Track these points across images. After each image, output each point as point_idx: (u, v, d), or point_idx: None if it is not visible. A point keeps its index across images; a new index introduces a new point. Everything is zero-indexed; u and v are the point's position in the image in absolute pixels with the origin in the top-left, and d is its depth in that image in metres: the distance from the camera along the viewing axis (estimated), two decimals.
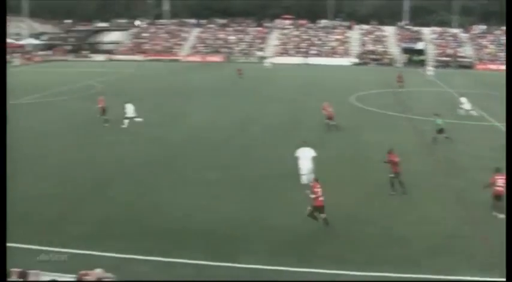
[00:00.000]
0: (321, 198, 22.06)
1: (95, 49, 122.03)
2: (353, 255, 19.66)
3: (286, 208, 24.24)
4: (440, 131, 36.53)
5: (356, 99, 56.33)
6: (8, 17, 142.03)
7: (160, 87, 67.79)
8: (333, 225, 21.86)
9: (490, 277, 17.88)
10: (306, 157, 27.97)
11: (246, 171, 30.43)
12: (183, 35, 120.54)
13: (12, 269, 14.69)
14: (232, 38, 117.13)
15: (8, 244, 20.70)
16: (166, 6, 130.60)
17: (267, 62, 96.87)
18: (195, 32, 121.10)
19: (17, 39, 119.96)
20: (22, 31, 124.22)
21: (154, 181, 29.08)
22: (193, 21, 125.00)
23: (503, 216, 22.03)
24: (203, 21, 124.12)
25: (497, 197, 22.97)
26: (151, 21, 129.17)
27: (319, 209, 22.09)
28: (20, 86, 68.45)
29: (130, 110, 43.42)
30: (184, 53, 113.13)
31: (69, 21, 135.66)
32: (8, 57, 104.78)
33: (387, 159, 26.45)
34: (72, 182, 29.23)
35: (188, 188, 27.79)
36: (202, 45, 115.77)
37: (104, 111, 45.12)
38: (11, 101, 56.13)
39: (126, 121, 42.88)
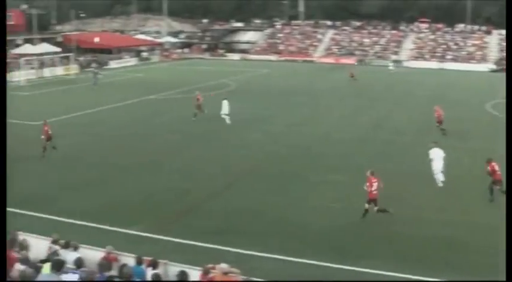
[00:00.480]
0: (375, 192, 22.84)
1: (231, 48, 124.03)
2: None
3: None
4: None
5: (492, 107, 54.38)
6: (148, 16, 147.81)
7: (289, 87, 68.14)
8: None
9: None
10: (438, 157, 28.18)
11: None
12: (317, 36, 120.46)
13: (144, 257, 15.21)
14: (366, 40, 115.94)
15: (139, 233, 21.77)
16: (301, 8, 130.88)
17: (392, 66, 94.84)
18: (330, 33, 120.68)
19: (156, 37, 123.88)
20: (161, 29, 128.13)
21: (285, 181, 29.18)
22: (328, 22, 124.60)
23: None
24: (338, 23, 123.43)
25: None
26: (287, 22, 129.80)
27: (373, 201, 22.94)
28: (157, 82, 70.84)
29: (225, 107, 44.11)
30: (318, 55, 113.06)
31: (206, 20, 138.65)
32: (147, 54, 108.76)
33: (487, 168, 25.99)
34: (202, 177, 30.08)
35: (320, 188, 27.79)
36: (336, 47, 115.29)
37: (199, 107, 46.09)
38: (148, 95, 58.55)
39: (226, 118, 43.69)
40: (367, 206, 23.01)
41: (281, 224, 23.07)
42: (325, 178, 29.41)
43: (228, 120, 43.60)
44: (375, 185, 22.97)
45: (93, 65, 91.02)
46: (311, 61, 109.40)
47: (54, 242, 16.38)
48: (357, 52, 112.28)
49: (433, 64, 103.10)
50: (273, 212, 24.53)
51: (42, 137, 34.67)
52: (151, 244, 20.78)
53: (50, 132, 35.01)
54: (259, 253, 19.98)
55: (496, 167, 25.73)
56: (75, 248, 15.95)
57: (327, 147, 37.04)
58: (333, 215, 24.14)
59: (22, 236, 15.90)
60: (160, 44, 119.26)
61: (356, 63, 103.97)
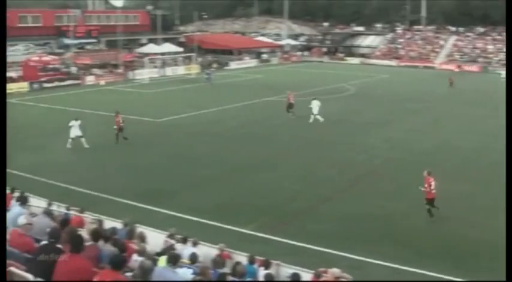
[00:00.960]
0: (433, 191, 23.46)
1: (350, 52, 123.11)
2: None
3: None
4: None
5: None
6: (269, 18, 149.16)
7: (409, 93, 66.98)
8: None
9: None
10: None
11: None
12: (439, 42, 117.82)
13: (257, 257, 15.32)
14: (490, 47, 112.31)
15: (252, 232, 21.92)
16: (423, 12, 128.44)
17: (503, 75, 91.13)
18: (452, 39, 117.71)
19: (276, 39, 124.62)
20: (282, 32, 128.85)
21: (402, 187, 28.69)
22: (450, 28, 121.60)
23: None
24: (461, 29, 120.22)
25: None
26: (408, 27, 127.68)
27: (431, 201, 23.61)
28: (276, 83, 71.31)
29: (315, 106, 44.57)
30: (439, 61, 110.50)
31: (327, 24, 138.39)
32: (267, 56, 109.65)
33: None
34: (316, 180, 30.08)
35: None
36: (458, 53, 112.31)
37: (290, 106, 47.34)
38: (267, 97, 58.94)
39: (313, 117, 44.34)
40: (428, 206, 23.76)
41: (396, 231, 22.73)
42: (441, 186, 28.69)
43: (319, 118, 44.29)
44: (433, 184, 23.54)
45: (214, 65, 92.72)
46: (432, 67, 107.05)
47: (171, 236, 16.88)
48: (480, 59, 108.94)
49: None
50: (389, 218, 24.16)
51: (115, 127, 37.47)
52: (263, 244, 20.93)
53: (121, 124, 37.39)
54: (373, 260, 19.72)
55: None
56: (195, 244, 16.42)
57: (445, 155, 36.11)
58: (448, 223, 23.52)
59: (140, 228, 16.35)
60: (280, 46, 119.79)
61: (478, 71, 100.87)
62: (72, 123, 36.39)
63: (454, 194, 26.86)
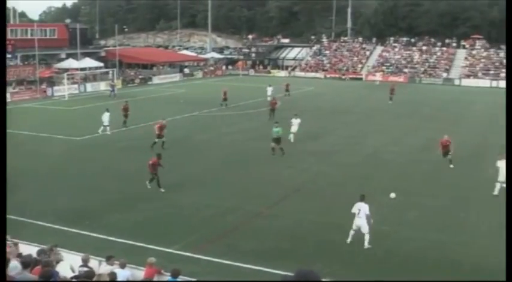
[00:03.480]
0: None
1: (276, 65, 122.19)
2: None
3: None
4: None
5: None
6: (192, 31, 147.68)
7: (336, 105, 66.75)
8: None
9: None
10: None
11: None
12: (365, 53, 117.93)
13: None
14: (416, 57, 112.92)
15: (178, 252, 21.07)
16: (349, 24, 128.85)
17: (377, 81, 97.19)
18: (378, 50, 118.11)
19: (200, 53, 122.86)
20: (206, 45, 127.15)
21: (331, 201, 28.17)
22: (376, 39, 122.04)
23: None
24: (387, 40, 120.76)
25: None
26: (334, 39, 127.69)
27: None
28: (200, 98, 69.53)
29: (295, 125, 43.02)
30: (365, 72, 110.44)
31: (252, 36, 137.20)
32: (191, 70, 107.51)
33: None
34: (248, 195, 29.21)
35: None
36: (384, 64, 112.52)
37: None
38: (191, 112, 56.79)
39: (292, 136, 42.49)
40: None
41: (328, 247, 22.11)
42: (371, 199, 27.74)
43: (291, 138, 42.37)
44: None
45: (137, 80, 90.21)
46: (359, 79, 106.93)
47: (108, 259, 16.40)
48: (406, 70, 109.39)
49: (486, 82, 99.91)
50: (318, 233, 23.63)
51: (156, 132, 39.73)
52: (192, 264, 20.05)
53: (157, 132, 39.73)
54: None
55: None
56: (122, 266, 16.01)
57: (375, 168, 35.77)
58: (376, 237, 22.41)
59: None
60: (205, 60, 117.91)
61: (406, 81, 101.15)
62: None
63: (385, 205, 26.46)
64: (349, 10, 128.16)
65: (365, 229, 21.66)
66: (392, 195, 25.84)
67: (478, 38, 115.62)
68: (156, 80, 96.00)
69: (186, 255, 20.88)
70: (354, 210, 22.02)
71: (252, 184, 31.36)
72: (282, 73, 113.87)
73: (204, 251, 21.18)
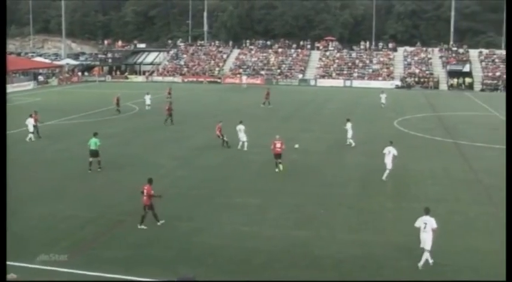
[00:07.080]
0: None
1: (134, 70, 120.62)
2: None
3: None
4: None
5: (398, 123, 54.82)
6: (46, 37, 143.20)
7: (196, 109, 67.00)
8: None
9: None
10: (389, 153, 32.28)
11: None
12: (223, 56, 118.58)
13: None
14: (272, 60, 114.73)
15: (38, 266, 20.33)
16: (205, 27, 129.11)
17: (244, 84, 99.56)
18: (235, 53, 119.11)
19: (55, 60, 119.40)
20: (60, 51, 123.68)
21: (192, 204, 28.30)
22: (233, 42, 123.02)
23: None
24: (243, 43, 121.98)
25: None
26: (191, 43, 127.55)
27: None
28: (55, 106, 67.42)
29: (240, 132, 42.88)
30: (221, 75, 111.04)
31: (108, 41, 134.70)
32: (45, 77, 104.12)
33: None
34: (106, 204, 28.45)
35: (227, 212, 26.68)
36: (241, 67, 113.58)
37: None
38: (47, 121, 54.88)
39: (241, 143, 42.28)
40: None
41: (190, 251, 22.01)
42: (232, 201, 28.05)
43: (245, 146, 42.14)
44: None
45: None
46: (218, 82, 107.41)
47: None
48: (263, 72, 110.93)
49: (340, 82, 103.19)
50: (181, 237, 23.51)
51: (217, 133, 42.24)
52: (54, 277, 19.38)
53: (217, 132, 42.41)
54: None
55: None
56: None
57: (235, 170, 36.02)
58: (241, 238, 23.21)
59: None
60: (60, 67, 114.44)
61: (263, 83, 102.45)
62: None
63: (246, 206, 27.35)
64: (205, 14, 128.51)
65: (428, 246, 20.13)
66: (296, 145, 36.28)
67: (331, 40, 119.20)
68: (8, 88, 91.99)
69: (47, 269, 20.04)
70: (419, 224, 20.58)
71: (112, 192, 30.64)
72: (140, 78, 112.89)
73: (65, 263, 20.41)
